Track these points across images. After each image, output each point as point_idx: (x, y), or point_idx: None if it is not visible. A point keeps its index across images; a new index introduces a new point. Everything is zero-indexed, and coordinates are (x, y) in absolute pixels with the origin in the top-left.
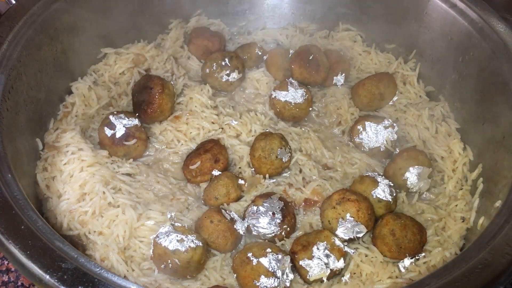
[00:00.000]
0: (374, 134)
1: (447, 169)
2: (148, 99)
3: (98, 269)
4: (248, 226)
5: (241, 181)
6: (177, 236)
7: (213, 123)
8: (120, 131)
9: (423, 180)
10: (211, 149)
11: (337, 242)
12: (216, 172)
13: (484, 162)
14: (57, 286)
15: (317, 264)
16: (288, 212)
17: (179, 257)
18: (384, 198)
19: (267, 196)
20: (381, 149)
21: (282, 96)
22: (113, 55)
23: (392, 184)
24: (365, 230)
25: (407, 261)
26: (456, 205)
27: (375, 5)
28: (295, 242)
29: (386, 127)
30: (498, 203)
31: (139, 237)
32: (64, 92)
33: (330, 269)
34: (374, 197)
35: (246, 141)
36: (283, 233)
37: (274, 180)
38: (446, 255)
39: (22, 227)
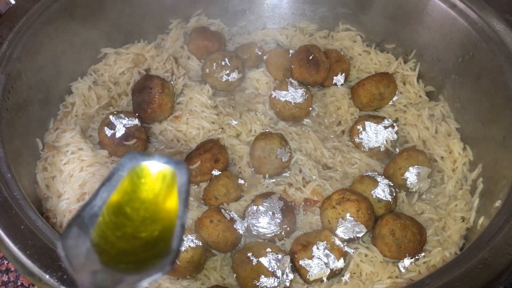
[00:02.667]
0: (374, 134)
1: (447, 169)
2: (148, 99)
3: None
4: (248, 226)
5: (241, 181)
6: None
7: (213, 123)
8: (120, 131)
9: (423, 180)
10: (211, 149)
11: (337, 242)
12: (216, 172)
13: (484, 162)
14: (57, 286)
15: (317, 264)
16: (288, 212)
17: (179, 257)
18: (384, 198)
19: (267, 196)
20: (381, 149)
21: (282, 96)
22: (113, 55)
23: (392, 184)
24: (365, 230)
25: (407, 261)
26: (456, 205)
27: (375, 5)
28: (295, 242)
29: (386, 127)
30: (498, 203)
31: None
32: (64, 92)
33: (330, 269)
34: (374, 197)
35: (246, 141)
36: (283, 233)
37: (274, 180)
38: (446, 255)
39: (22, 227)
